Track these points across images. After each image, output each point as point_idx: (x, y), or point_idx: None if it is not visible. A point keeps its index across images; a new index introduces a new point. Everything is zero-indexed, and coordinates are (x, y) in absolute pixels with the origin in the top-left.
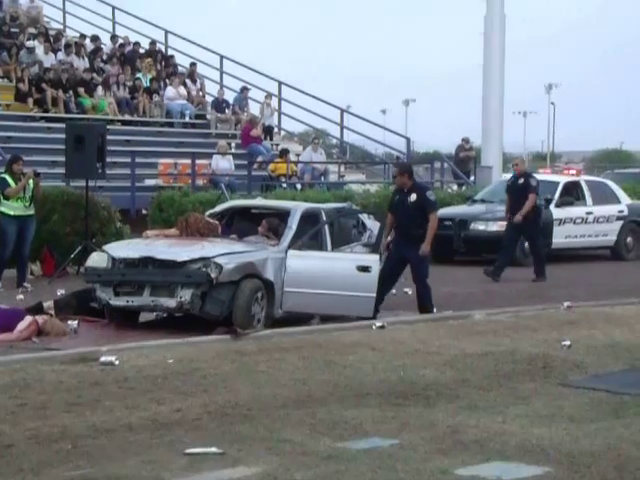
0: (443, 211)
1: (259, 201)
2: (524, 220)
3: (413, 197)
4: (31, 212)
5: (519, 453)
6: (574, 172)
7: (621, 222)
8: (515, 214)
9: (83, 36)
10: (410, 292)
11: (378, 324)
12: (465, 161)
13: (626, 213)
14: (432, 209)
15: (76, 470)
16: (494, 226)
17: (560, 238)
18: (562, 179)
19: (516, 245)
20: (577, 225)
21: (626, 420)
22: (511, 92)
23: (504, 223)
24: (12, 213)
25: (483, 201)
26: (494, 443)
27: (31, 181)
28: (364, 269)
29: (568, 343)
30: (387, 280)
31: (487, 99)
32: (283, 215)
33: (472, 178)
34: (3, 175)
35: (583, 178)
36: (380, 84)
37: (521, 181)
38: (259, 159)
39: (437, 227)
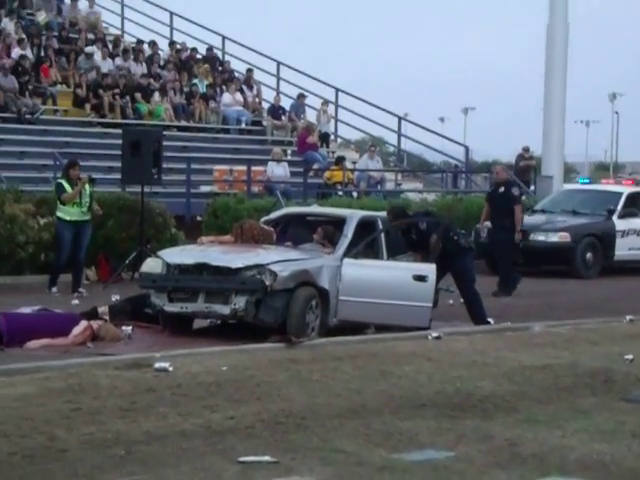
0: None
1: (315, 208)
2: (505, 231)
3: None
4: (87, 217)
5: (579, 468)
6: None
7: None
8: (495, 224)
9: (141, 42)
10: (452, 302)
11: (434, 334)
12: (525, 170)
13: None
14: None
15: (129, 476)
16: (554, 237)
17: (623, 250)
18: (625, 190)
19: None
20: None
21: None
22: (573, 101)
23: (565, 234)
24: (68, 218)
25: (543, 211)
26: (553, 457)
27: (87, 186)
28: (420, 278)
29: (631, 357)
30: None
31: (548, 108)
32: (339, 223)
33: (532, 188)
34: (60, 180)
35: None
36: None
37: (502, 190)
38: (315, 166)
39: None
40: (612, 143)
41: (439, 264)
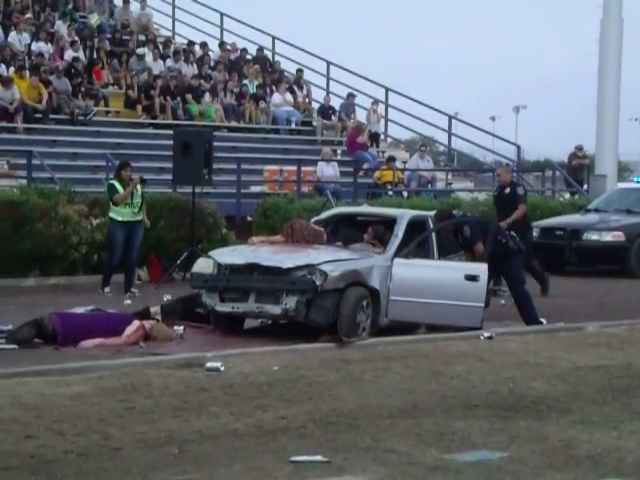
0: (555, 220)
1: (365, 208)
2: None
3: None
4: (139, 218)
5: (636, 471)
6: None
7: None
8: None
9: (191, 43)
10: (504, 302)
11: (486, 335)
12: (578, 169)
13: None
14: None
15: (183, 475)
16: (608, 236)
17: None
18: None
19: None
20: None
21: None
22: (627, 98)
23: (620, 233)
24: (120, 219)
25: (597, 210)
26: (609, 459)
27: (139, 187)
28: (472, 278)
29: None
30: None
31: (602, 106)
32: (389, 223)
33: (585, 187)
34: (112, 181)
35: None
36: (490, 90)
37: (507, 191)
38: (365, 166)
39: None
40: None
41: (489, 265)
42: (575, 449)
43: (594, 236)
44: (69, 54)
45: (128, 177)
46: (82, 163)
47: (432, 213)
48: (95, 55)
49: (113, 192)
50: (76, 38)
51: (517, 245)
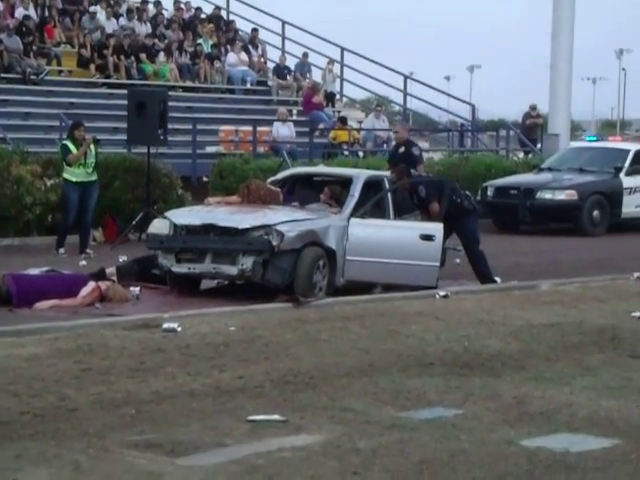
0: (509, 180)
1: (321, 168)
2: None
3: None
4: (93, 178)
5: (587, 425)
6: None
7: None
8: None
9: (145, 1)
10: (459, 261)
11: (442, 294)
12: (532, 129)
13: None
14: None
15: (140, 435)
16: (561, 195)
17: (630, 208)
18: (633, 147)
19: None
20: None
21: None
22: (580, 58)
23: (572, 192)
24: (74, 179)
25: (550, 169)
26: (561, 415)
27: (92, 147)
28: (427, 238)
29: (638, 314)
30: None
31: (555, 65)
32: (345, 183)
33: (539, 146)
34: (65, 142)
35: None
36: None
37: (402, 150)
38: (320, 126)
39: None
40: (619, 100)
41: (445, 224)
42: (528, 405)
43: (547, 195)
44: (20, 12)
45: (81, 137)
46: (35, 123)
47: (388, 173)
48: (47, 13)
49: (66, 152)
50: None
51: (472, 205)
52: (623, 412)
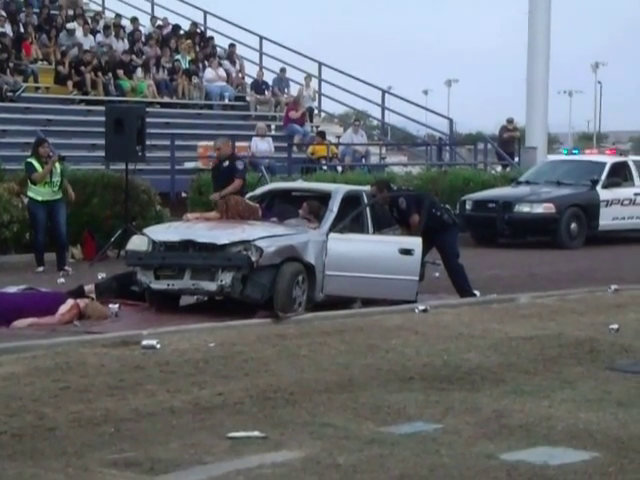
0: (487, 193)
1: (300, 184)
2: None
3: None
4: (59, 196)
5: (566, 438)
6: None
7: None
8: None
9: (120, 17)
10: (438, 275)
11: (421, 307)
12: (509, 142)
13: None
14: None
15: (119, 453)
16: (539, 208)
17: (607, 220)
18: (609, 160)
19: None
20: (624, 207)
21: None
22: (556, 71)
23: (550, 205)
24: (40, 198)
25: (528, 182)
26: (540, 428)
27: (57, 165)
28: (406, 252)
29: (616, 327)
30: None
31: (532, 79)
32: (324, 198)
33: (516, 159)
34: (29, 160)
35: (631, 158)
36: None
37: (226, 164)
38: (295, 140)
39: (479, 209)
40: (595, 113)
41: (424, 238)
42: (508, 418)
43: (525, 208)
44: None
45: (46, 154)
46: (11, 140)
47: (367, 188)
48: (23, 30)
49: (31, 171)
50: (2, 12)
51: (452, 218)
52: (602, 425)
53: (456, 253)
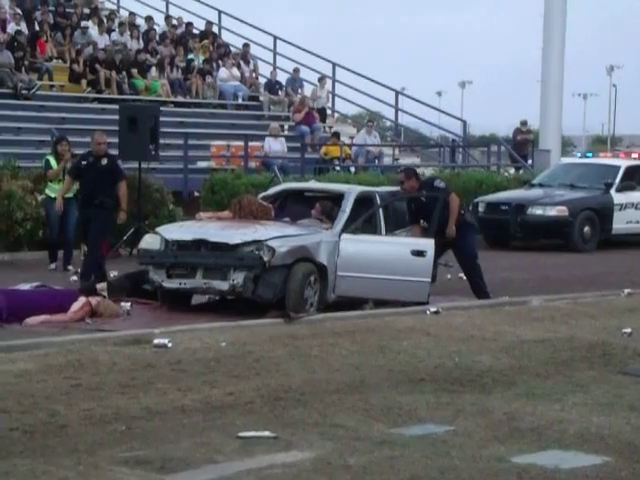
0: (500, 195)
1: (312, 184)
2: (105, 210)
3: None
4: (71, 195)
5: (578, 442)
6: (637, 155)
7: None
8: (88, 200)
9: (135, 16)
10: (450, 277)
11: (432, 309)
12: (523, 144)
13: None
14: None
15: (130, 451)
16: (552, 211)
17: (620, 224)
18: (624, 163)
19: None
20: (638, 210)
21: None
22: (571, 74)
23: (563, 208)
24: (54, 195)
25: (541, 185)
26: (552, 431)
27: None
28: (419, 253)
29: (629, 331)
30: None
31: (546, 81)
32: (337, 198)
33: (530, 162)
34: (48, 157)
35: None
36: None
37: (105, 162)
38: (307, 140)
39: (491, 212)
40: (609, 116)
41: (442, 238)
42: (519, 421)
43: (538, 211)
44: (11, 27)
45: (64, 152)
46: (26, 138)
47: (380, 189)
48: (38, 28)
49: (47, 168)
50: (18, 10)
51: (471, 219)
52: (614, 429)
53: (475, 254)
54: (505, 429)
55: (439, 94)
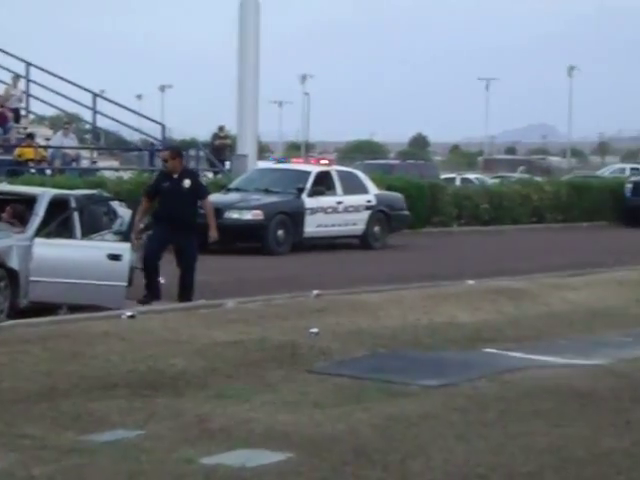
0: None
1: (3, 187)
2: None
3: (187, 183)
4: None
5: (264, 440)
6: (326, 161)
7: (369, 212)
8: None
9: None
10: (163, 281)
11: (128, 313)
12: (220, 149)
13: (374, 203)
14: (207, 194)
15: None
16: (248, 215)
17: (312, 227)
18: (314, 169)
19: None
20: (328, 214)
21: (366, 404)
22: (267, 81)
23: (258, 212)
24: None
25: (238, 190)
26: (240, 431)
27: None
28: (115, 257)
29: (316, 330)
30: (156, 266)
31: (242, 87)
32: (29, 201)
33: (227, 166)
34: None
35: (334, 168)
36: (135, 69)
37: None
38: None
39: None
40: (303, 123)
41: (165, 232)
42: (209, 423)
43: (235, 215)
44: None
45: None
46: None
47: (75, 192)
48: None
49: None
50: None
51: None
52: (298, 426)
53: (196, 256)
54: (195, 431)
55: (139, 97)
